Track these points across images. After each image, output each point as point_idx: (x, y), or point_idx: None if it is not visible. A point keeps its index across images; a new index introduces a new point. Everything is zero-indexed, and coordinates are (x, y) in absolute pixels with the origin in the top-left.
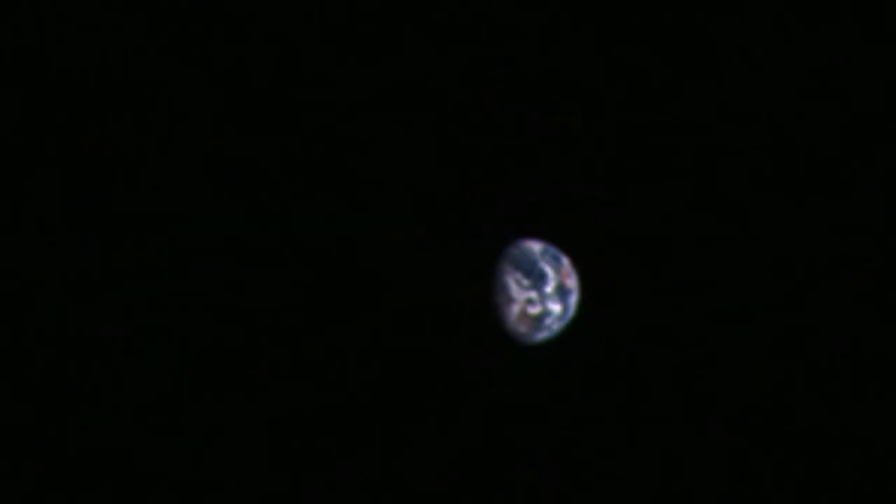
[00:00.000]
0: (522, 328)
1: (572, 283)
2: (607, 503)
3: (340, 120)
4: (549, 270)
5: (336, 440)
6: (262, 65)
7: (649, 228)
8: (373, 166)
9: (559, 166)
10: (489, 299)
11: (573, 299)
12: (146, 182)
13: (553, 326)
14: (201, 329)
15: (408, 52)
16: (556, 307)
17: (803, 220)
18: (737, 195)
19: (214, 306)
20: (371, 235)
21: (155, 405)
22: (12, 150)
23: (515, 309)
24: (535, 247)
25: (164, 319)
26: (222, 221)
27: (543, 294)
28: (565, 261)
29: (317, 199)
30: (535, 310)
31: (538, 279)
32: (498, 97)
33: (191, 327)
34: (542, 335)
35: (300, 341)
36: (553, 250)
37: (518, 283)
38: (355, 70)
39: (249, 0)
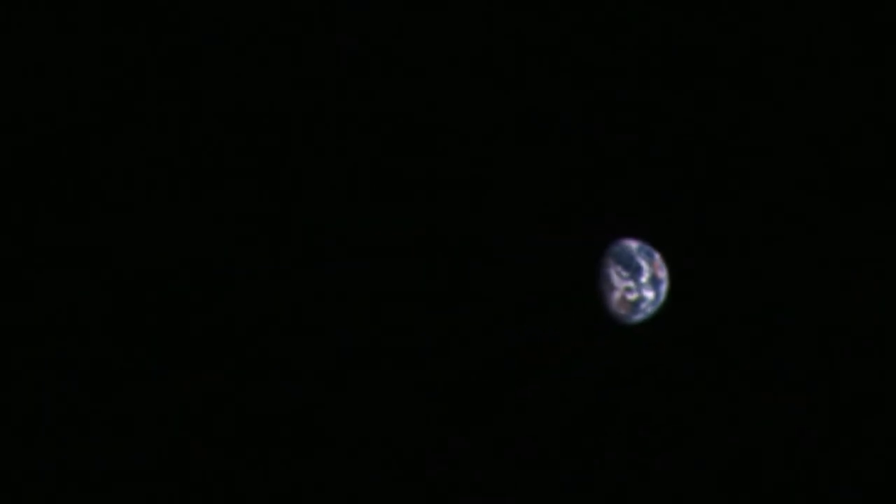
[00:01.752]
0: (622, 311)
1: (663, 274)
2: (693, 458)
3: (485, 141)
4: (644, 264)
5: (472, 405)
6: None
7: (728, 229)
8: (512, 181)
9: (653, 177)
10: (596, 288)
11: (664, 288)
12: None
13: (647, 310)
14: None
15: (530, 60)
16: (649, 294)
17: (883, 220)
18: (812, 197)
19: (350, 300)
20: (508, 237)
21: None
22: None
23: (616, 295)
24: (633, 245)
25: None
26: (367, 221)
27: (639, 283)
28: (657, 256)
29: (484, 206)
30: (632, 296)
31: (635, 271)
32: (609, 117)
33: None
34: (637, 317)
35: (444, 321)
36: (647, 247)
37: (618, 274)
38: (488, 88)
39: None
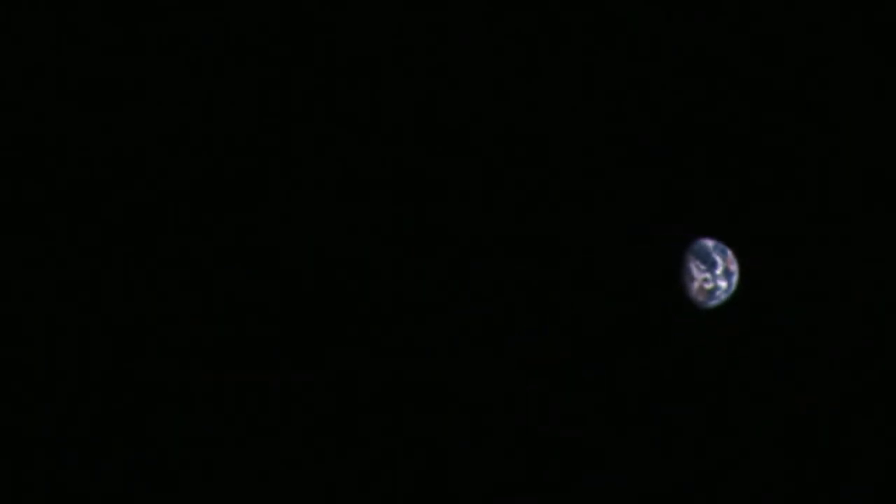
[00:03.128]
0: (700, 298)
1: (734, 267)
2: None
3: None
4: (718, 259)
5: (567, 371)
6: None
7: (789, 229)
8: (614, 192)
9: (727, 186)
10: (679, 279)
11: (735, 278)
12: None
13: (721, 297)
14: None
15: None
16: (723, 284)
17: None
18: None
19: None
20: (613, 239)
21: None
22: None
23: (696, 285)
24: (709, 243)
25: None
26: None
27: (714, 275)
28: (729, 252)
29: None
30: (708, 286)
31: (711, 265)
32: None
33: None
34: (713, 303)
35: (562, 305)
36: (721, 245)
37: (697, 267)
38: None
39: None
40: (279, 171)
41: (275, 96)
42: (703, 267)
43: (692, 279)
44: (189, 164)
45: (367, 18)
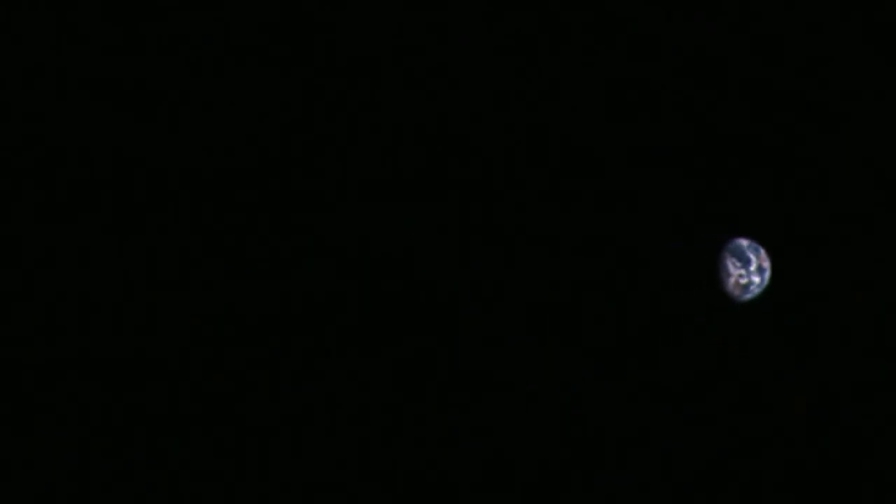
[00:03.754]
0: (736, 292)
1: (767, 264)
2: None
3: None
4: (752, 257)
5: (624, 366)
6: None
7: (817, 229)
8: (657, 197)
9: (759, 191)
10: (717, 274)
11: (767, 275)
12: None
13: (754, 291)
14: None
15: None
16: (756, 279)
17: None
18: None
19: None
20: (656, 239)
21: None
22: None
23: (731, 280)
24: (744, 242)
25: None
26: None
27: (749, 271)
28: (762, 251)
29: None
30: (743, 281)
31: (746, 262)
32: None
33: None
34: (747, 296)
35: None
36: (755, 244)
37: (733, 264)
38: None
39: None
40: (279, 171)
41: (275, 97)
42: (738, 264)
43: (729, 275)
44: (189, 165)
45: (368, 21)
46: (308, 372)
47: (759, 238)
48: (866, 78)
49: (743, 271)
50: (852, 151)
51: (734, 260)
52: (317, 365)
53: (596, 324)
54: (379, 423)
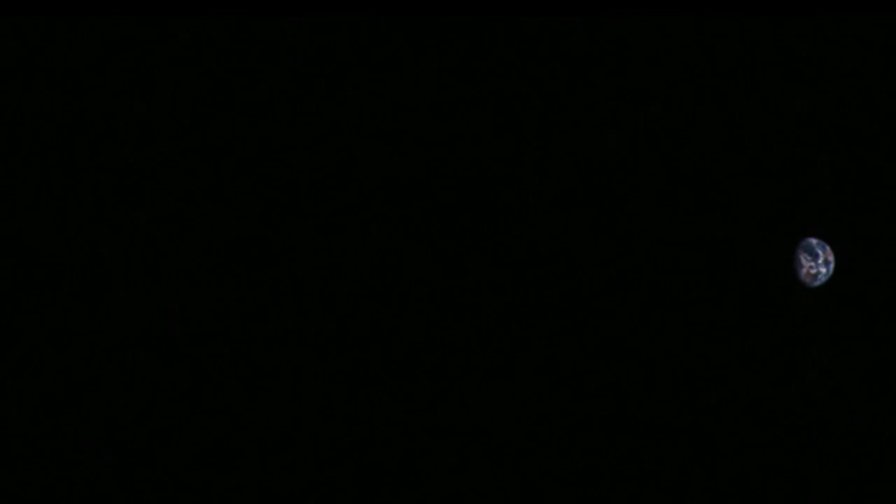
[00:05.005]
0: (807, 280)
1: (831, 258)
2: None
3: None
4: (819, 252)
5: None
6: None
7: (874, 229)
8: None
9: (825, 196)
10: (793, 266)
11: (832, 266)
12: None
13: (822, 279)
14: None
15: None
16: (823, 270)
17: None
18: None
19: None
20: (741, 237)
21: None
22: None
23: (803, 271)
24: (813, 241)
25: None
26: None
27: (817, 264)
28: (827, 247)
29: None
30: (813, 272)
31: (815, 256)
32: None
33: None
34: (816, 284)
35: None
36: (822, 242)
37: (805, 258)
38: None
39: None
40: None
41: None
42: (809, 258)
43: (801, 267)
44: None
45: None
46: (305, 372)
47: (826, 237)
48: None
49: (812, 264)
50: None
51: (806, 255)
52: (311, 367)
53: (696, 305)
54: (378, 424)
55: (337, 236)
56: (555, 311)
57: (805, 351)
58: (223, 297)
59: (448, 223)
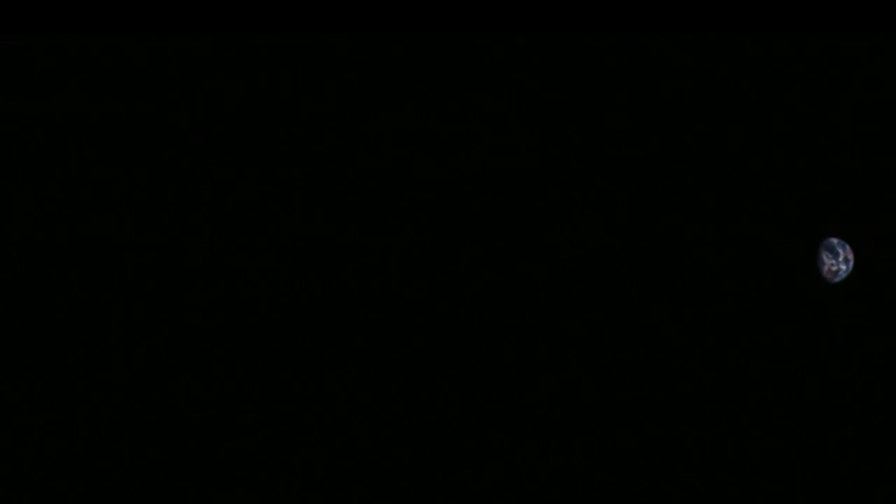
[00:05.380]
0: (829, 276)
1: (851, 256)
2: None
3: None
4: (840, 251)
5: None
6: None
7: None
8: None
9: (844, 200)
10: (816, 263)
11: (851, 264)
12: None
13: (842, 275)
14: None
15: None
16: (843, 267)
17: None
18: None
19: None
20: (766, 238)
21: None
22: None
23: (825, 268)
24: (834, 240)
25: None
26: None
27: (838, 261)
28: (847, 246)
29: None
30: (834, 268)
31: (835, 254)
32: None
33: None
34: (837, 279)
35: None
36: (843, 242)
37: (826, 256)
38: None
39: None
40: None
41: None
42: (830, 256)
43: (823, 264)
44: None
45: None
46: (302, 374)
47: (846, 237)
48: None
49: (833, 261)
50: None
51: (827, 253)
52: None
53: (722, 300)
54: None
55: (337, 236)
56: (578, 308)
57: (826, 342)
58: (224, 296)
59: (449, 223)
